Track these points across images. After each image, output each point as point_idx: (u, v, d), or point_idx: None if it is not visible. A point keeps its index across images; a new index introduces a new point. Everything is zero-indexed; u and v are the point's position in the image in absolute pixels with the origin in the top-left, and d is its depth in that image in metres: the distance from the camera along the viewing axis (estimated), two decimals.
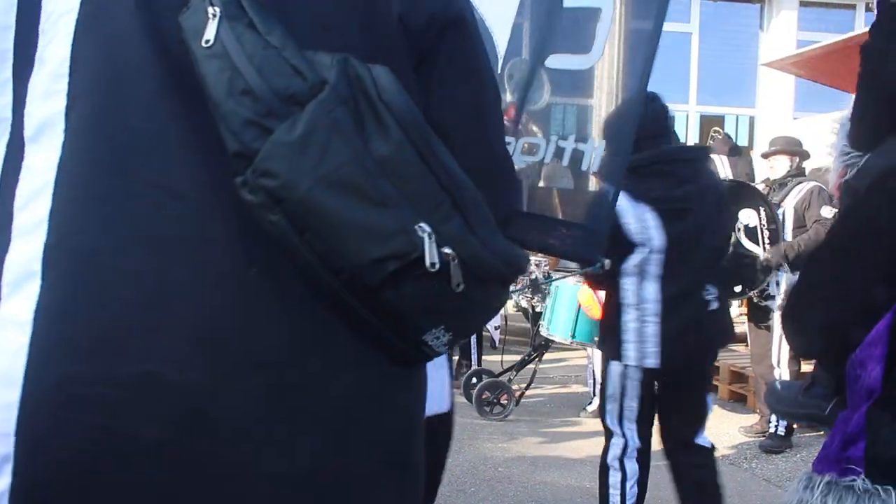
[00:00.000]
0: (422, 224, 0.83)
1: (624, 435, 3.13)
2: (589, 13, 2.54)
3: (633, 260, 2.94)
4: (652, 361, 2.97)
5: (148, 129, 0.85)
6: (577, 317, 5.22)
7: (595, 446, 5.23)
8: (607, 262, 2.60)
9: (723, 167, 8.57)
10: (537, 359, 5.75)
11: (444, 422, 2.77)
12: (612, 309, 3.04)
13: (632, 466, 3.14)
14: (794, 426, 5.12)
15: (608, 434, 3.18)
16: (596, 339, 5.30)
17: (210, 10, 0.84)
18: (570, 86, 2.81)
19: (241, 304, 0.84)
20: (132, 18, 0.87)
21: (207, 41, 0.83)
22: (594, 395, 5.92)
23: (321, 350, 0.87)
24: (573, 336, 5.27)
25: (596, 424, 5.71)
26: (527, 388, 5.71)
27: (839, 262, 1.33)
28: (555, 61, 2.63)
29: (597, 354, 5.83)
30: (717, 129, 8.91)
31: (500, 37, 2.71)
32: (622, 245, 2.93)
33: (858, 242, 1.29)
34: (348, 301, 0.85)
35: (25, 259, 0.83)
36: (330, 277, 0.84)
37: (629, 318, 2.97)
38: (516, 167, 2.63)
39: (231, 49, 0.83)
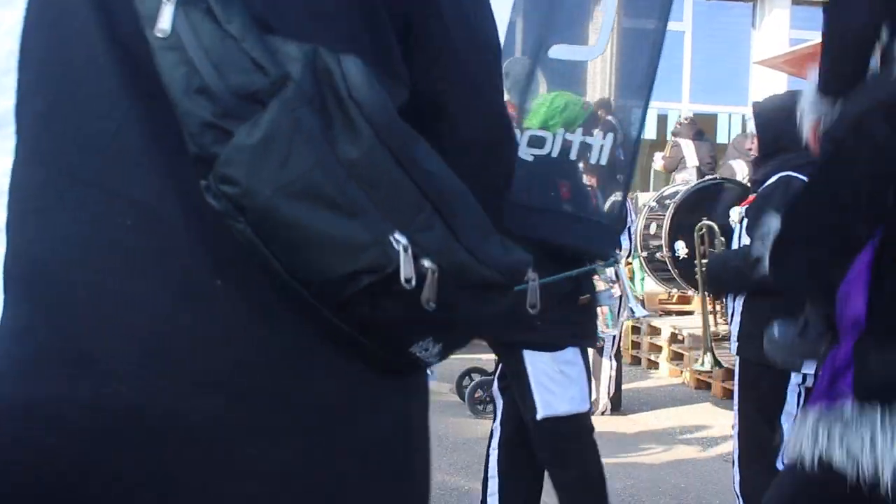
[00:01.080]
0: (396, 235, 0.75)
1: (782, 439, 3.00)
2: (592, 3, 2.55)
3: None
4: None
5: (104, 130, 0.79)
6: None
7: None
8: (620, 255, 2.62)
9: (688, 150, 8.77)
10: None
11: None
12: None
13: None
14: None
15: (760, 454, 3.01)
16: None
17: None
18: (570, 80, 2.82)
19: (203, 318, 0.79)
20: (84, 4, 0.80)
21: (163, 31, 0.75)
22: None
23: (293, 361, 0.82)
24: None
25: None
26: None
27: (820, 204, 1.37)
28: (558, 52, 2.63)
29: (592, 354, 5.84)
30: (685, 117, 9.25)
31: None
32: None
33: (838, 186, 1.33)
34: (323, 312, 0.78)
35: None
36: (300, 289, 0.77)
37: None
38: (523, 159, 2.63)
39: (186, 41, 0.75)
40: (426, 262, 0.76)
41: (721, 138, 11.18)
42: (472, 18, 0.96)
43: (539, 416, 2.81)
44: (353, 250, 0.75)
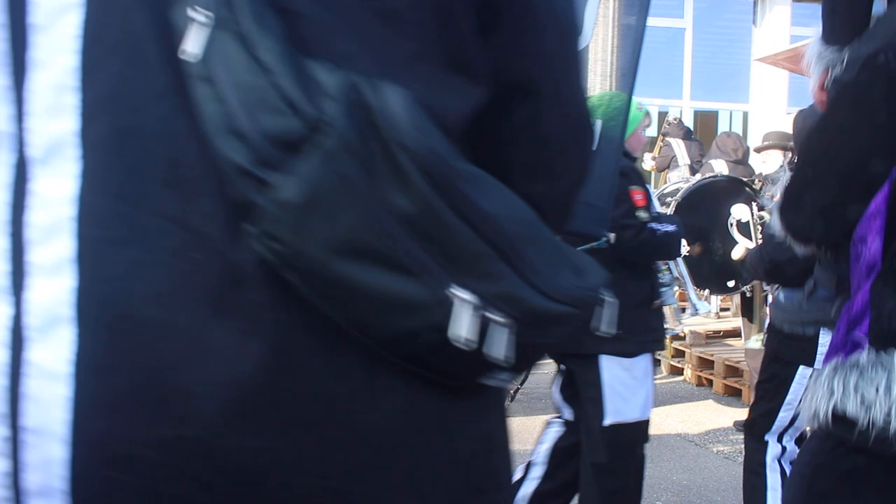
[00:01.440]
0: (456, 290, 0.70)
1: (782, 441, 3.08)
2: None
3: None
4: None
5: (166, 155, 0.73)
6: None
7: None
8: (612, 236, 2.61)
9: (679, 150, 8.80)
10: None
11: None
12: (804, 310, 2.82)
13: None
14: None
15: (759, 444, 3.08)
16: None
17: (189, 11, 0.69)
18: None
19: (274, 357, 0.74)
20: (141, 13, 0.73)
21: (193, 56, 0.69)
22: None
23: (369, 395, 0.77)
24: None
25: None
26: (522, 384, 5.71)
27: (834, 141, 1.32)
28: None
29: None
30: (674, 117, 9.36)
31: None
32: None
33: (853, 120, 1.28)
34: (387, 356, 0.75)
35: (52, 302, 0.73)
36: (362, 337, 0.73)
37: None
38: None
39: (216, 72, 0.69)
40: (496, 317, 0.71)
41: None
42: (561, 3, 0.91)
43: (606, 422, 2.88)
44: (411, 309, 0.71)
